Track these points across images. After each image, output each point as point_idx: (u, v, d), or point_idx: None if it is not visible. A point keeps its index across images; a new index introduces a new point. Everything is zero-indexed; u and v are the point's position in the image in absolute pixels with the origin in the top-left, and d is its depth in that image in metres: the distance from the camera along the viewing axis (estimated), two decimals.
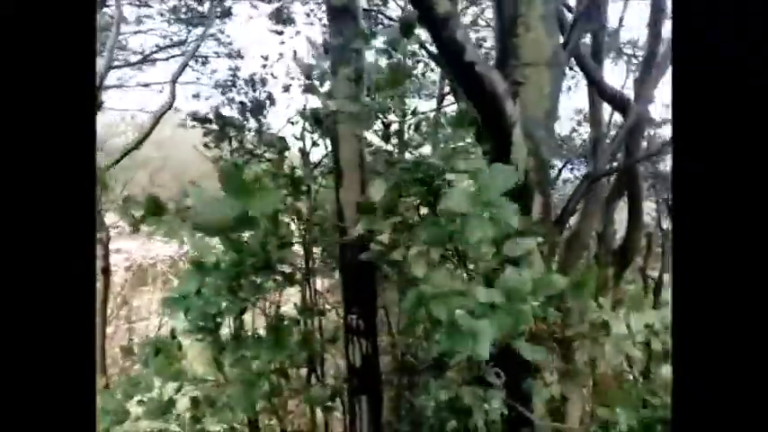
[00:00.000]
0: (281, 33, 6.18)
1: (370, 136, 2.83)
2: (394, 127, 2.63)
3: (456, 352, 1.63)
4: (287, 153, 3.70)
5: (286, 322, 2.69)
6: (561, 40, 3.14)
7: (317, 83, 2.71)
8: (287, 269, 2.81)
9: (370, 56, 2.54)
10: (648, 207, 10.05)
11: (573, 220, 6.38)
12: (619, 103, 5.37)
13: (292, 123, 3.76)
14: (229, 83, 8.95)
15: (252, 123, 4.68)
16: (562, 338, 2.00)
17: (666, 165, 10.63)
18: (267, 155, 4.32)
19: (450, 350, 1.66)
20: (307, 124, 3.25)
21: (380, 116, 2.44)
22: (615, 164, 6.99)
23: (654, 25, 4.97)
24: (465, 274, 2.21)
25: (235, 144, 4.53)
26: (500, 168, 1.60)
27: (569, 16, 6.79)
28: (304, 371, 3.40)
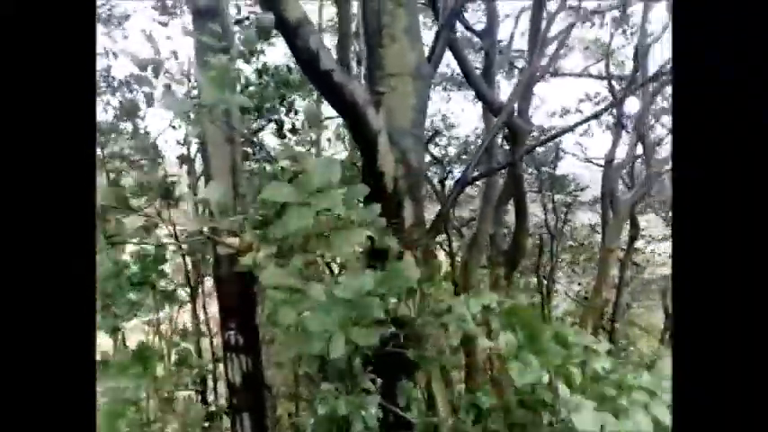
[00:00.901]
0: (165, 25, 5.85)
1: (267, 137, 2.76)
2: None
3: (309, 354, 1.62)
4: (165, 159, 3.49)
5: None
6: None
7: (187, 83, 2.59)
8: (168, 286, 2.64)
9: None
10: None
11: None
12: (498, 114, 5.75)
13: (174, 128, 3.57)
14: (103, 84, 8.28)
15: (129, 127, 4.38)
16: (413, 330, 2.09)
17: (558, 168, 11.56)
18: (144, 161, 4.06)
19: (306, 353, 1.65)
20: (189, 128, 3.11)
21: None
22: (539, 170, 7.54)
23: (533, 38, 5.38)
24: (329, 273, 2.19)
25: (108, 150, 4.21)
26: (325, 160, 1.61)
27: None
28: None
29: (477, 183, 10.45)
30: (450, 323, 1.95)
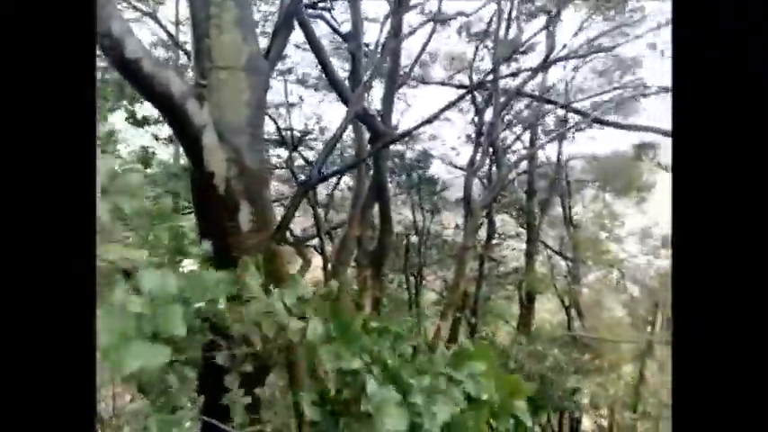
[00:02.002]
0: None
1: None
2: None
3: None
4: None
5: None
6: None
7: None
8: None
9: None
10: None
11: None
12: (363, 118, 5.85)
13: None
14: None
15: None
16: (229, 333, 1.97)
17: (429, 171, 12.17)
18: None
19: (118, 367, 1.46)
20: None
21: None
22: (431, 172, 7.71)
23: (386, 47, 5.52)
24: None
25: None
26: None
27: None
28: None
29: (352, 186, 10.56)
30: (264, 319, 1.86)
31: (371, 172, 6.52)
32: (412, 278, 10.53)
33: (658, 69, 8.48)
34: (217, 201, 2.63)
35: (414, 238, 10.87)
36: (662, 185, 10.66)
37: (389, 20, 5.96)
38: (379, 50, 7.66)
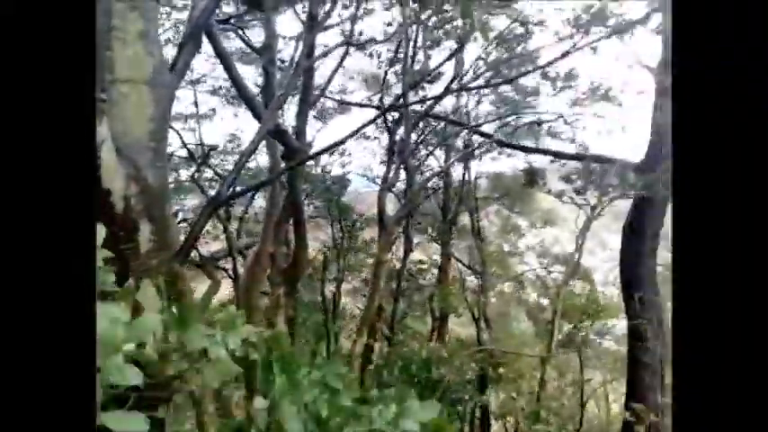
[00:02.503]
0: None
1: None
2: None
3: None
4: None
5: None
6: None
7: None
8: None
9: None
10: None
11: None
12: (276, 135, 5.80)
13: None
14: None
15: None
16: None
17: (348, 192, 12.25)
18: None
19: None
20: None
21: None
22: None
23: (299, 65, 5.55)
24: None
25: None
26: None
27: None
28: None
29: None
30: (205, 368, 1.76)
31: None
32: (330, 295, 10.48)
33: (552, 99, 9.38)
34: (115, 221, 2.48)
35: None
36: (555, 205, 11.65)
37: (303, 39, 6.02)
38: (292, 68, 7.69)
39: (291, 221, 6.45)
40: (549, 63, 7.72)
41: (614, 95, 9.27)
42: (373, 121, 7.49)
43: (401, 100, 8.17)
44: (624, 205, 9.44)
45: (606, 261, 12.62)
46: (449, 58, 7.13)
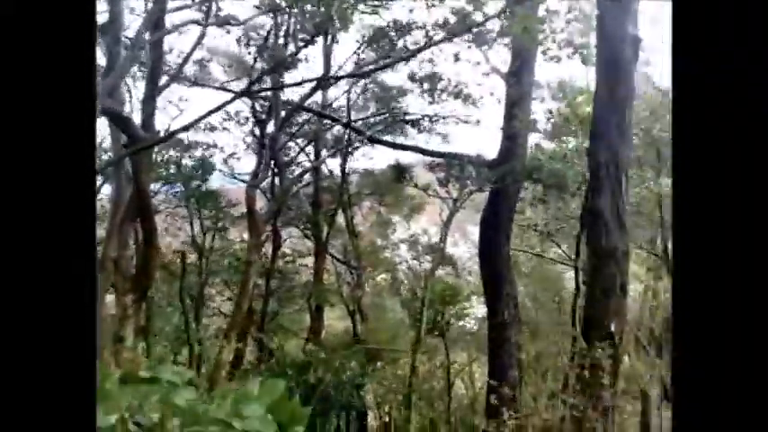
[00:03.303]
0: None
1: None
2: None
3: None
4: None
5: None
6: None
7: None
8: None
9: None
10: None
11: None
12: (116, 120, 5.17)
13: None
14: None
15: None
16: None
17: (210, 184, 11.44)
18: None
19: None
20: None
21: None
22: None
23: (142, 41, 4.98)
24: None
25: None
26: None
27: None
28: None
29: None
30: None
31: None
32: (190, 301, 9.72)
33: (418, 99, 9.81)
34: None
35: (193, 257, 10.07)
36: (424, 199, 12.25)
37: (150, 14, 5.42)
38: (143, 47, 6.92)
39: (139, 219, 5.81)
40: (410, 55, 7.88)
41: (474, 97, 9.99)
42: (229, 102, 7.03)
43: (257, 85, 7.80)
44: (483, 198, 10.28)
45: (470, 249, 13.61)
46: (305, 45, 7.00)
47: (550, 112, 9.40)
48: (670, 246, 8.07)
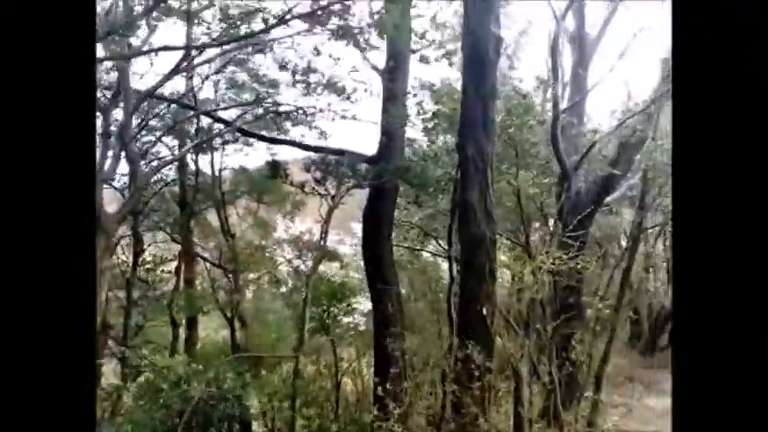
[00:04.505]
0: None
1: None
2: None
3: None
4: None
5: None
6: None
7: None
8: None
9: None
10: None
11: None
12: None
13: None
14: None
15: None
16: None
17: None
18: None
19: None
20: None
21: None
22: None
23: None
24: None
25: None
26: None
27: None
28: None
29: None
30: None
31: None
32: None
33: (291, 92, 9.43)
34: None
35: None
36: (303, 196, 11.92)
37: None
38: None
39: None
40: (259, 32, 7.41)
41: (348, 92, 9.89)
42: None
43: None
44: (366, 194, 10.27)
45: (355, 246, 13.58)
46: (147, 12, 6.25)
47: (421, 106, 9.67)
48: (537, 236, 8.75)
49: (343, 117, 9.52)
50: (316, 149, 9.91)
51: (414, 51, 9.37)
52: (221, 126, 9.92)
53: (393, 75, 9.59)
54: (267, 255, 12.85)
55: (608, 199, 9.40)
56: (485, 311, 5.69)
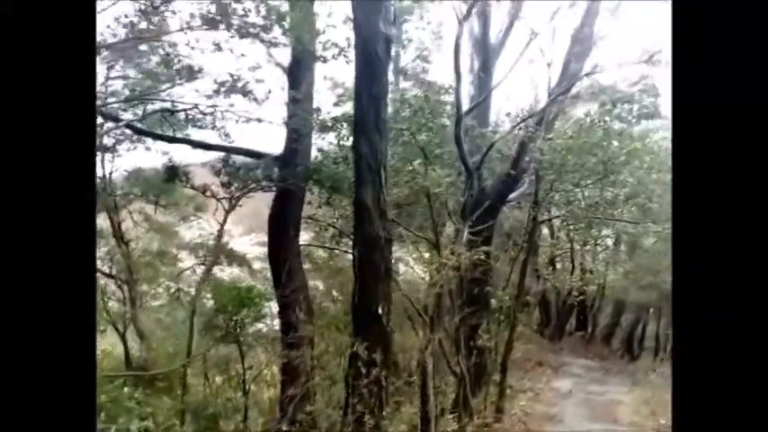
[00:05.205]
0: None
1: None
2: None
3: None
4: None
5: None
6: None
7: None
8: None
9: None
10: None
11: None
12: None
13: None
14: None
15: None
16: None
17: None
18: None
19: None
20: None
21: None
22: None
23: None
24: None
25: None
26: None
27: None
28: None
29: None
30: None
31: None
32: None
33: (187, 89, 8.90)
34: None
35: None
36: (205, 201, 11.35)
37: None
38: None
39: None
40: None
41: (254, 92, 9.56)
42: None
43: None
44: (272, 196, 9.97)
45: (261, 248, 13.17)
46: None
47: (318, 109, 9.61)
48: (449, 232, 9.01)
49: (248, 120, 9.17)
50: (217, 148, 9.48)
51: (315, 52, 9.28)
52: (110, 123, 9.14)
53: (297, 73, 9.43)
54: (166, 261, 12.05)
55: (511, 195, 9.98)
56: (380, 310, 5.78)
